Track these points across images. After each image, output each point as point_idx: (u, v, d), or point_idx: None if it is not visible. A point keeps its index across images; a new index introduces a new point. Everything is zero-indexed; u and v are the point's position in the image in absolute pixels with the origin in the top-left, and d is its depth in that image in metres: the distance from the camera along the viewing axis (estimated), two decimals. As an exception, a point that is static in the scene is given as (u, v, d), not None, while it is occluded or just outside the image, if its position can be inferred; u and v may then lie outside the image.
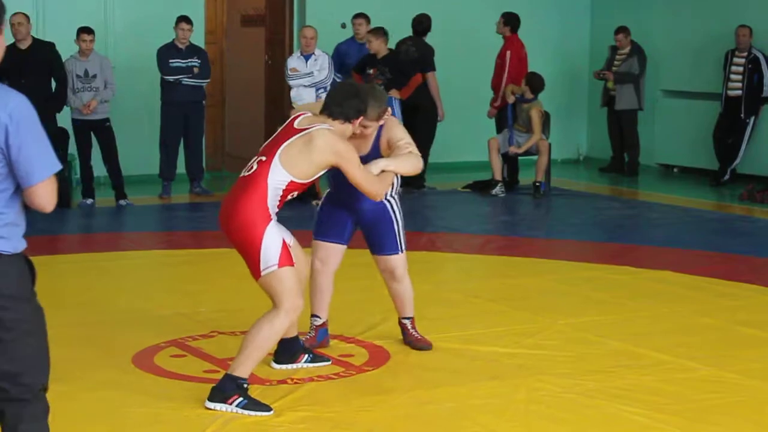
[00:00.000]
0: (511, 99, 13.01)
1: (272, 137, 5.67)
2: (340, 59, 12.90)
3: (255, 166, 5.54)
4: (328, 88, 12.45)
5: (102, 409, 5.41)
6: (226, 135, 16.14)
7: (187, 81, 12.40)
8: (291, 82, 12.56)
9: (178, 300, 7.75)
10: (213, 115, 15.15)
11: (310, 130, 5.52)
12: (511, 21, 13.50)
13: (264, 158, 5.53)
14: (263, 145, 5.69)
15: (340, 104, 5.66)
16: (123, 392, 5.66)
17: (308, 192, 11.91)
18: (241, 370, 5.38)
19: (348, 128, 5.69)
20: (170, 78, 12.37)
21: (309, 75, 12.46)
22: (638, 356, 6.41)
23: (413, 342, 6.44)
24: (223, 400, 5.34)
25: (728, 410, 5.50)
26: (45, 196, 3.74)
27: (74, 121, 11.88)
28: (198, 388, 5.66)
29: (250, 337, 5.42)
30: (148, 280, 8.89)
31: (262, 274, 5.49)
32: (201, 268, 8.97)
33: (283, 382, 5.82)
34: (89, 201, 11.87)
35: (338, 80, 12.68)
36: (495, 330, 6.94)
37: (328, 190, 6.38)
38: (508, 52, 13.35)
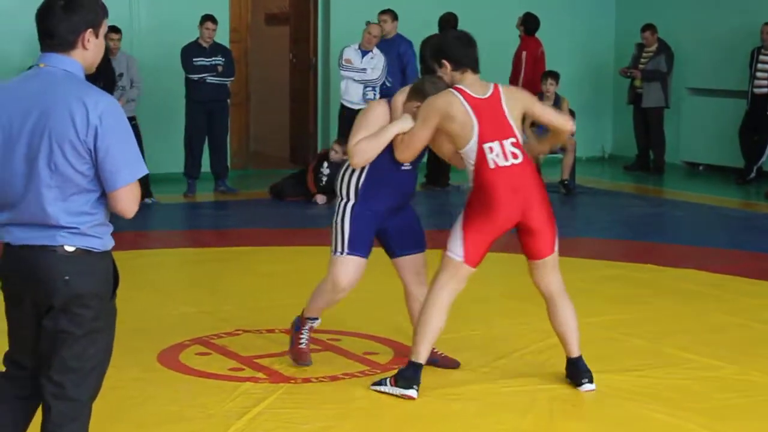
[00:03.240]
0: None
1: (483, 119, 5.56)
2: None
3: (516, 150, 5.58)
4: (377, 89, 12.38)
5: (127, 406, 5.44)
6: (251, 133, 16.17)
7: (211, 79, 12.43)
8: (343, 73, 12.47)
9: (203, 298, 7.78)
10: (237, 113, 15.15)
11: (507, 91, 5.67)
12: (527, 22, 13.53)
13: (513, 139, 5.58)
14: (481, 129, 5.57)
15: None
16: (148, 390, 5.69)
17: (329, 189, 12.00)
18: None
19: None
20: (195, 76, 12.41)
21: (362, 71, 12.40)
22: (662, 354, 6.41)
23: (439, 361, 6.08)
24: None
25: (752, 409, 5.49)
26: (128, 201, 3.78)
27: None
28: (223, 386, 5.69)
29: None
30: (172, 278, 8.94)
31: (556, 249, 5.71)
32: (225, 267, 9.00)
33: (307, 380, 5.83)
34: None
35: (389, 84, 12.57)
36: (519, 328, 6.95)
37: (346, 202, 6.00)
38: (524, 53, 13.37)
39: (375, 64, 12.37)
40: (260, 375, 5.90)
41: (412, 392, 5.53)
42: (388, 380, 5.62)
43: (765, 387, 5.86)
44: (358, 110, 12.37)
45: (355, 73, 12.34)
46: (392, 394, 5.56)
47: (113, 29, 11.96)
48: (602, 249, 9.83)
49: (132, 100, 11.96)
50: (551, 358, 6.27)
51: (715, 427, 5.21)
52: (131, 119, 11.95)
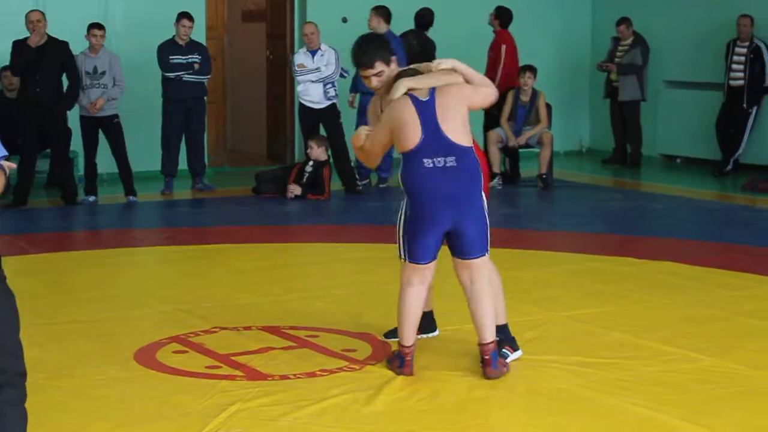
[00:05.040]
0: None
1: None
2: None
3: None
4: (336, 83, 12.47)
5: (104, 405, 5.40)
6: (228, 131, 16.15)
7: (188, 77, 12.40)
8: (298, 78, 12.56)
9: (180, 296, 7.74)
10: (214, 111, 15.15)
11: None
12: (502, 15, 13.53)
13: None
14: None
15: None
16: (125, 388, 5.66)
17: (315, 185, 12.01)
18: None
19: None
20: (171, 74, 12.37)
21: (316, 71, 12.45)
22: (641, 347, 6.40)
23: (488, 373, 5.82)
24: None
25: (731, 401, 5.49)
26: None
27: (82, 118, 11.87)
28: (200, 384, 5.67)
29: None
30: (150, 276, 8.90)
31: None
32: (203, 264, 8.97)
33: (285, 377, 5.81)
34: (91, 198, 11.85)
35: (345, 76, 12.67)
36: (497, 323, 6.92)
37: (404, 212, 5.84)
38: (504, 46, 13.35)
39: (327, 60, 12.45)
40: (237, 372, 5.88)
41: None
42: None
43: (744, 379, 5.85)
44: (320, 109, 12.51)
45: (312, 74, 12.39)
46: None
47: (96, 26, 11.91)
48: (580, 242, 9.84)
49: (114, 99, 11.89)
50: (530, 352, 6.25)
51: (695, 420, 5.20)
52: (113, 117, 11.90)
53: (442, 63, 5.93)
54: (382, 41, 6.26)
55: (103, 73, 11.84)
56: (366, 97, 12.83)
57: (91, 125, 11.85)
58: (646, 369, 5.98)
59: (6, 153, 3.79)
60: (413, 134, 5.68)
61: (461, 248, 5.80)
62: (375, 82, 5.94)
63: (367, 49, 5.97)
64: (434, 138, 5.68)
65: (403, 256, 5.82)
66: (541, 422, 5.19)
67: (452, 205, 5.69)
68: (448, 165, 5.68)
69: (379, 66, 5.92)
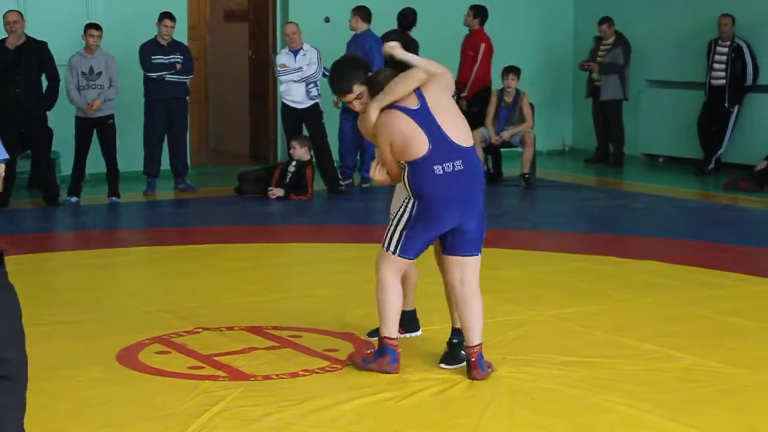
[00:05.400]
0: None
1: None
2: None
3: None
4: (318, 83, 12.48)
5: (87, 406, 5.40)
6: (211, 131, 16.14)
7: (170, 77, 12.38)
8: (281, 78, 12.58)
9: (162, 296, 7.73)
10: (197, 111, 15.14)
11: None
12: (481, 14, 13.53)
13: None
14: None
15: None
16: (108, 390, 5.65)
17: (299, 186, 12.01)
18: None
19: None
20: (153, 75, 12.35)
21: (298, 70, 12.46)
22: (623, 346, 6.42)
23: (474, 375, 5.82)
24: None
25: (712, 399, 5.51)
26: None
27: (77, 119, 11.84)
28: (182, 385, 5.66)
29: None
30: (132, 276, 8.88)
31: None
32: (186, 265, 8.95)
33: (267, 377, 5.81)
34: (74, 199, 11.83)
35: (327, 74, 12.66)
36: (480, 322, 6.92)
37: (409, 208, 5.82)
38: (482, 45, 13.34)
39: (309, 60, 12.47)
40: (220, 373, 5.87)
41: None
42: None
43: (725, 377, 5.88)
44: (302, 109, 12.52)
45: (294, 74, 12.40)
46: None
47: (93, 26, 11.88)
48: (563, 242, 9.86)
49: (110, 99, 11.88)
50: (512, 351, 6.27)
51: (676, 418, 5.22)
52: (109, 117, 11.89)
53: (391, 46, 5.92)
54: (355, 62, 6.06)
55: (100, 73, 11.82)
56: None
57: (87, 126, 11.83)
58: (629, 368, 6.00)
59: (7, 156, 3.79)
60: (419, 145, 5.63)
61: (458, 245, 5.79)
62: (358, 106, 5.86)
63: (342, 75, 5.87)
64: (441, 144, 5.64)
65: (391, 249, 5.78)
66: (524, 421, 5.20)
67: (460, 207, 5.70)
68: (456, 169, 5.67)
69: (358, 89, 5.83)
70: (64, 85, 11.73)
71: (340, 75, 5.90)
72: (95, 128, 11.87)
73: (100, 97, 11.72)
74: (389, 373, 5.80)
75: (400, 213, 5.78)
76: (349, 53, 11.07)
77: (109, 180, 11.99)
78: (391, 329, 5.83)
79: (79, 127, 11.85)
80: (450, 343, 6.05)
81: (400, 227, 5.76)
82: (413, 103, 5.70)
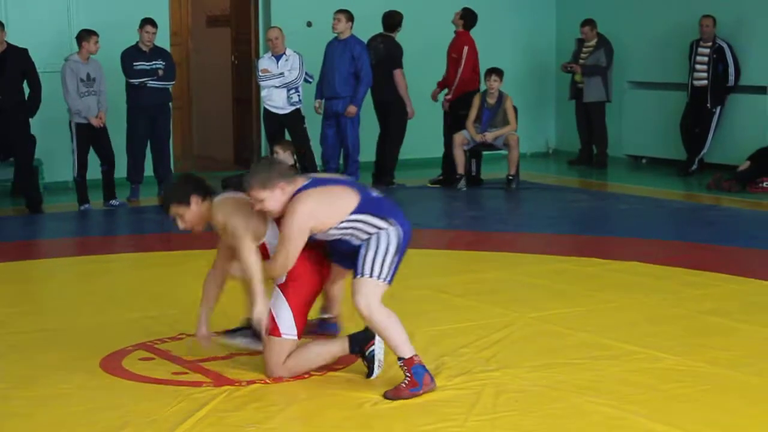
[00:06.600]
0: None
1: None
2: None
3: None
4: (300, 88, 12.48)
5: (70, 414, 5.39)
6: (194, 136, 16.11)
7: (152, 84, 12.36)
8: (262, 83, 12.58)
9: (146, 303, 7.72)
10: (180, 116, 15.11)
11: None
12: (468, 17, 13.50)
13: None
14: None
15: None
16: (92, 397, 5.64)
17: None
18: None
19: None
20: (135, 81, 12.33)
21: (280, 76, 12.46)
22: (606, 347, 6.43)
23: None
24: None
25: (695, 399, 5.53)
26: None
27: (77, 125, 11.81)
28: (166, 391, 5.66)
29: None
30: (116, 283, 8.86)
31: None
32: (169, 271, 8.94)
33: (252, 383, 5.81)
34: (86, 206, 11.85)
35: (309, 81, 12.66)
36: (463, 324, 6.94)
37: None
38: (466, 48, 13.32)
39: (291, 65, 12.47)
40: (204, 379, 5.87)
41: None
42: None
43: (708, 377, 5.89)
44: (283, 114, 12.52)
45: (276, 79, 12.41)
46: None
47: (94, 33, 11.86)
48: (546, 243, 9.87)
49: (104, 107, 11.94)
50: (496, 353, 6.28)
51: (660, 418, 5.23)
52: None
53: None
54: (264, 167, 5.82)
55: (94, 79, 11.84)
56: (331, 102, 12.84)
57: (86, 132, 11.83)
58: (612, 369, 6.01)
59: None
60: (346, 200, 5.78)
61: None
62: (259, 207, 5.77)
63: (248, 177, 5.77)
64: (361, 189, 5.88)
65: (384, 279, 5.72)
66: (508, 423, 5.21)
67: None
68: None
69: (259, 194, 5.72)
70: (61, 93, 11.72)
71: (246, 177, 5.81)
72: (93, 133, 11.88)
73: (102, 109, 11.81)
74: (434, 389, 5.65)
75: (383, 243, 5.75)
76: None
77: (106, 184, 12.03)
78: (407, 349, 5.67)
79: (78, 134, 11.83)
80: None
81: (389, 258, 5.73)
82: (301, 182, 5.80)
